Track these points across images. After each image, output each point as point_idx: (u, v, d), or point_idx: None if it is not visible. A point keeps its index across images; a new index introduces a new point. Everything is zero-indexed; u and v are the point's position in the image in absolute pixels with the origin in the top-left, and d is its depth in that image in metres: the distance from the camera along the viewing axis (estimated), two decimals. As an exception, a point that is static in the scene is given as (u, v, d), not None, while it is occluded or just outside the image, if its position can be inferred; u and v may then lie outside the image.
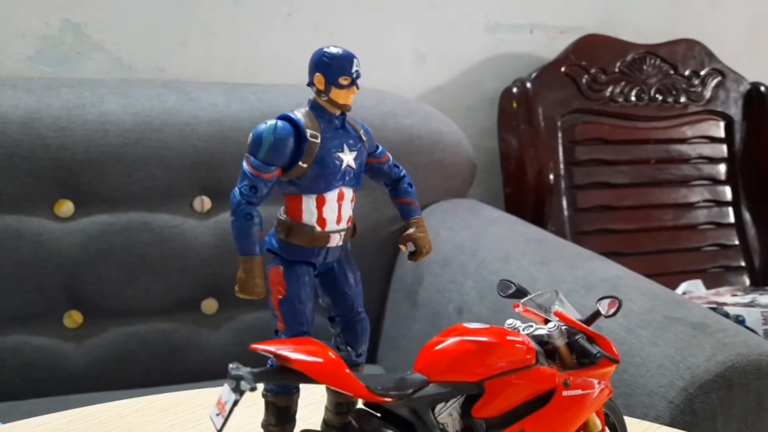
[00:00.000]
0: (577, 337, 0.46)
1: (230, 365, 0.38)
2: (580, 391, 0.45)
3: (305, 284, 0.45)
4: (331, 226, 0.46)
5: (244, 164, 0.44)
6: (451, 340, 0.43)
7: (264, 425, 0.46)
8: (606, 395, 0.46)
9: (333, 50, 0.45)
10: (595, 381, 0.46)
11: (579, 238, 1.45)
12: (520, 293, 0.49)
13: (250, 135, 0.44)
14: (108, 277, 1.18)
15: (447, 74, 1.56)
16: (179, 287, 1.23)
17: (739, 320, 1.29)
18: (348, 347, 0.48)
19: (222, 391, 0.39)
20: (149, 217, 1.21)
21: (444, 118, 1.38)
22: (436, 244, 1.39)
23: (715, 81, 1.64)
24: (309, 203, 0.45)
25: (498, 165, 1.54)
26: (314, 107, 0.46)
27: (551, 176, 1.44)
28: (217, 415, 0.38)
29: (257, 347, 0.39)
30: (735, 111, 1.65)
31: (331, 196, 0.46)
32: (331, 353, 0.39)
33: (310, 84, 0.46)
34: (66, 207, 1.16)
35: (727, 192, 1.64)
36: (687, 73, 1.61)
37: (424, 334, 1.20)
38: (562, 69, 1.51)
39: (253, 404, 0.47)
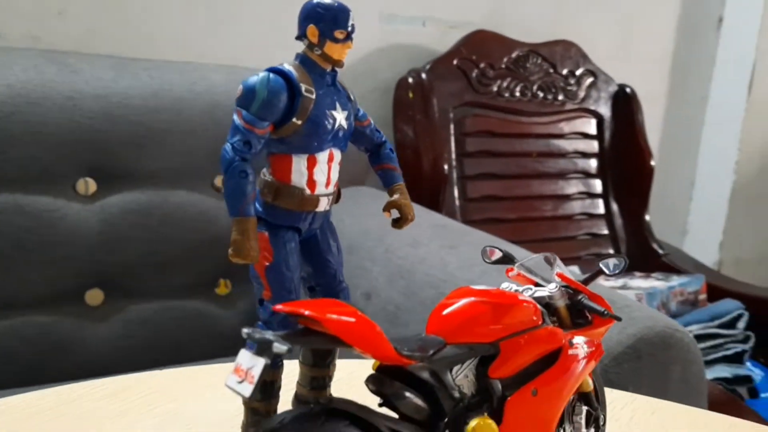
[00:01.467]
0: (579, 297, 0.47)
1: (245, 330, 0.35)
2: (582, 350, 0.46)
3: (292, 250, 0.43)
4: (320, 189, 0.43)
5: (236, 118, 0.41)
6: (464, 302, 0.42)
7: (247, 402, 0.42)
8: (600, 354, 0.48)
9: (328, 1, 0.43)
10: (593, 340, 0.47)
11: (469, 226, 1.49)
12: (507, 258, 0.50)
13: (240, 87, 0.41)
14: (-23, 265, 1.06)
15: (342, 61, 1.54)
16: (61, 277, 1.13)
17: (613, 303, 1.39)
18: None
19: (240, 358, 0.36)
20: (26, 200, 1.10)
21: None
22: (341, 231, 1.37)
23: (588, 81, 1.75)
24: (299, 163, 0.43)
25: (392, 154, 1.54)
26: (305, 61, 0.43)
27: (445, 167, 1.47)
28: (241, 382, 0.35)
29: (282, 309, 0.36)
30: (605, 110, 1.77)
31: (322, 157, 0.43)
32: (359, 312, 0.37)
33: (301, 37, 0.43)
34: (-73, 186, 1.03)
35: (598, 185, 1.76)
36: (564, 72, 1.71)
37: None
38: (454, 62, 1.54)
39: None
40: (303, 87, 0.42)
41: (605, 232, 1.75)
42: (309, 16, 0.43)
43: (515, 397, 0.42)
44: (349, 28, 0.43)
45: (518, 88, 1.64)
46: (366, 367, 0.43)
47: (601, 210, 1.76)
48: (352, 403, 0.39)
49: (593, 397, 0.48)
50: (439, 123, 1.50)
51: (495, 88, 1.61)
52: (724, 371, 1.25)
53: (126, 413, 0.57)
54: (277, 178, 0.43)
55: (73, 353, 1.13)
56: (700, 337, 1.32)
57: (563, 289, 0.48)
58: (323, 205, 0.44)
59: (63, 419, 0.56)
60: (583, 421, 0.47)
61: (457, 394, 0.40)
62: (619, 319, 0.48)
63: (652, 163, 1.75)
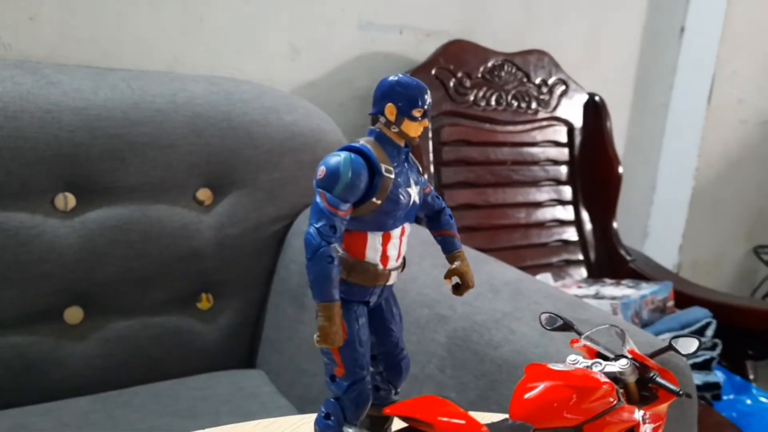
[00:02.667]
0: (651, 374, 0.48)
1: (348, 430, 0.35)
2: (652, 425, 0.47)
3: (364, 325, 0.43)
4: (392, 263, 0.44)
5: (319, 201, 0.40)
6: (545, 385, 0.43)
7: None
8: (662, 427, 0.49)
9: (406, 80, 0.43)
10: (660, 414, 0.48)
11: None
12: (567, 326, 0.50)
13: (322, 168, 0.41)
14: (-49, 286, 1.02)
15: (320, 69, 1.53)
16: (38, 295, 1.09)
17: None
18: (389, 384, 0.46)
19: None
20: (2, 216, 1.06)
21: (324, 116, 1.36)
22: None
23: (560, 90, 1.78)
24: (374, 240, 0.43)
25: (370, 163, 1.55)
26: (381, 138, 0.43)
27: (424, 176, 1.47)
28: None
29: (394, 412, 0.36)
30: (575, 118, 1.81)
31: (395, 233, 0.43)
32: (467, 414, 0.37)
33: (377, 113, 0.43)
34: None
35: (568, 192, 1.80)
36: (538, 81, 1.74)
37: (312, 336, 1.18)
38: (433, 71, 1.55)
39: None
40: (383, 167, 0.42)
41: (575, 238, 1.79)
42: (388, 94, 0.43)
43: None
44: (426, 107, 0.43)
45: (494, 98, 1.66)
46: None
47: (572, 216, 1.80)
48: None
49: None
50: (417, 133, 1.50)
51: (471, 98, 1.62)
52: (695, 379, 1.30)
53: None
54: (352, 254, 0.43)
55: (52, 373, 1.11)
56: (672, 346, 1.36)
57: (635, 365, 0.49)
58: (393, 278, 0.44)
59: None
60: None
61: None
62: (689, 396, 0.50)
63: (620, 170, 1.80)
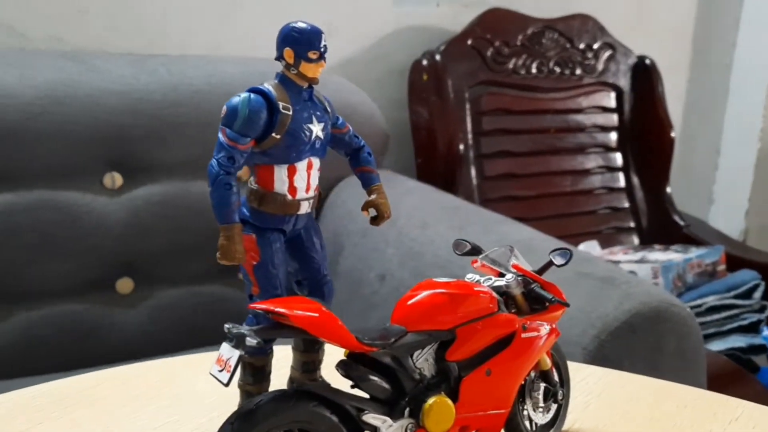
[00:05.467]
0: (532, 285, 0.51)
1: (226, 325, 0.40)
2: (535, 333, 0.50)
3: (277, 250, 0.47)
4: (301, 194, 0.47)
5: (221, 136, 0.45)
6: (425, 294, 0.47)
7: (241, 384, 0.47)
8: (555, 336, 0.51)
9: (301, 25, 0.46)
10: (546, 324, 0.51)
11: (486, 205, 1.52)
12: (475, 251, 0.53)
13: (224, 107, 0.45)
14: (12, 258, 1.12)
15: (356, 46, 1.57)
16: (91, 267, 1.19)
17: (632, 276, 1.40)
18: None
19: (222, 349, 0.42)
20: (55, 196, 1.15)
21: (356, 90, 1.39)
22: (355, 215, 1.40)
23: (607, 54, 1.74)
24: (281, 173, 0.47)
25: (409, 136, 1.57)
26: (283, 80, 0.47)
27: (461, 146, 1.49)
28: (221, 371, 0.41)
29: (256, 306, 0.41)
30: (624, 82, 1.76)
31: (301, 166, 0.47)
32: (323, 308, 0.41)
33: (279, 58, 0.47)
34: (-37, 186, 1.09)
35: (618, 158, 1.76)
36: (582, 46, 1.71)
37: (345, 302, 1.22)
38: (469, 42, 1.55)
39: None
40: (281, 105, 0.46)
41: (626, 205, 1.75)
42: (285, 39, 0.46)
43: (470, 377, 0.46)
44: (322, 49, 0.46)
45: (534, 65, 1.65)
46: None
47: (622, 183, 1.76)
48: (321, 385, 0.44)
49: (552, 375, 0.52)
50: (454, 103, 1.52)
51: (510, 66, 1.61)
52: (739, 341, 1.26)
53: (136, 399, 0.62)
54: (262, 186, 0.47)
55: (105, 339, 1.20)
56: (716, 308, 1.32)
57: (519, 278, 0.51)
58: (304, 208, 0.48)
59: (77, 408, 0.61)
60: (541, 397, 0.51)
61: (417, 376, 0.45)
62: (567, 305, 0.52)
63: (673, 134, 1.74)
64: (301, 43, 0.46)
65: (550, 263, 0.53)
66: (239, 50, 1.43)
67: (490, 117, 1.59)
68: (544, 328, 0.51)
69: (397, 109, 1.59)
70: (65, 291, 1.17)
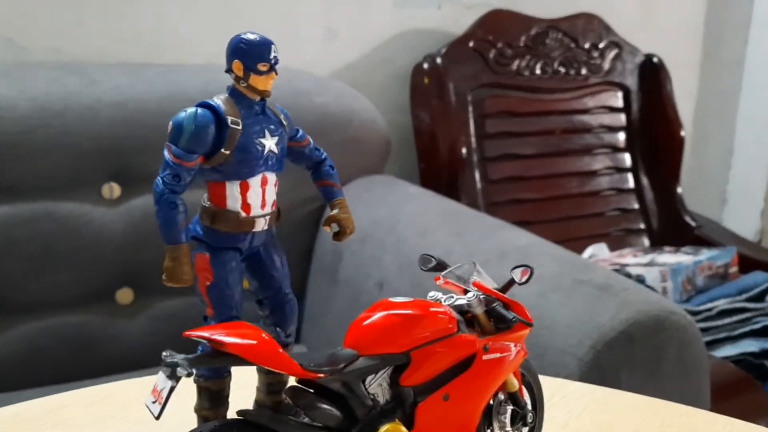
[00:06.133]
0: (494, 304, 0.49)
1: (164, 353, 0.39)
2: (498, 355, 0.47)
3: (232, 269, 0.45)
4: (255, 211, 0.46)
5: (166, 153, 0.43)
6: (378, 315, 0.45)
7: (197, 409, 0.46)
8: (522, 356, 0.49)
9: (250, 37, 0.45)
10: (512, 344, 0.49)
11: (491, 209, 1.50)
12: (440, 266, 0.51)
13: (170, 123, 0.44)
14: (12, 270, 1.13)
15: (357, 51, 1.56)
16: (91, 278, 1.19)
17: (640, 280, 1.37)
18: (277, 329, 0.48)
19: (157, 379, 0.39)
20: (54, 207, 1.16)
21: (357, 95, 1.38)
22: (355, 222, 1.38)
23: (613, 53, 1.71)
24: (233, 189, 0.45)
25: (412, 141, 1.56)
26: (234, 93, 0.46)
27: (463, 150, 1.47)
28: (154, 402, 0.39)
29: (191, 334, 0.39)
30: (631, 81, 1.73)
31: (254, 182, 0.46)
32: (264, 335, 0.40)
33: (229, 71, 0.45)
34: (-38, 199, 1.10)
35: (627, 159, 1.73)
36: (587, 46, 1.68)
37: (345, 310, 1.21)
38: (470, 44, 1.54)
39: (185, 389, 0.46)
40: (229, 119, 0.44)
41: (635, 206, 1.72)
42: (233, 51, 0.45)
43: (426, 403, 0.44)
44: (272, 60, 0.45)
45: (538, 66, 1.62)
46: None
47: (631, 184, 1.73)
48: (265, 414, 0.42)
49: (520, 397, 0.50)
50: (456, 107, 1.50)
51: (514, 68, 1.59)
52: (751, 346, 1.23)
53: (99, 421, 0.61)
54: (214, 203, 0.46)
55: (106, 350, 1.20)
56: (727, 312, 1.29)
57: (481, 297, 0.49)
58: (260, 225, 0.46)
59: (42, 428, 0.60)
60: (508, 420, 0.49)
61: (369, 402, 0.43)
62: (530, 325, 0.49)
63: (683, 133, 1.71)
64: (249, 55, 0.44)
65: (512, 281, 0.51)
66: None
67: (493, 120, 1.57)
68: (510, 348, 0.48)
69: (400, 114, 1.58)
70: (65, 302, 1.17)
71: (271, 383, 0.48)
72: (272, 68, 0.45)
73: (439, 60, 1.49)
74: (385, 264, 1.13)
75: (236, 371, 0.46)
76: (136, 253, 1.21)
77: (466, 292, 0.49)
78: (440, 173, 1.48)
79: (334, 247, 1.27)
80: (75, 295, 1.18)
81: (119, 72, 1.23)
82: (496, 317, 0.49)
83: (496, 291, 0.50)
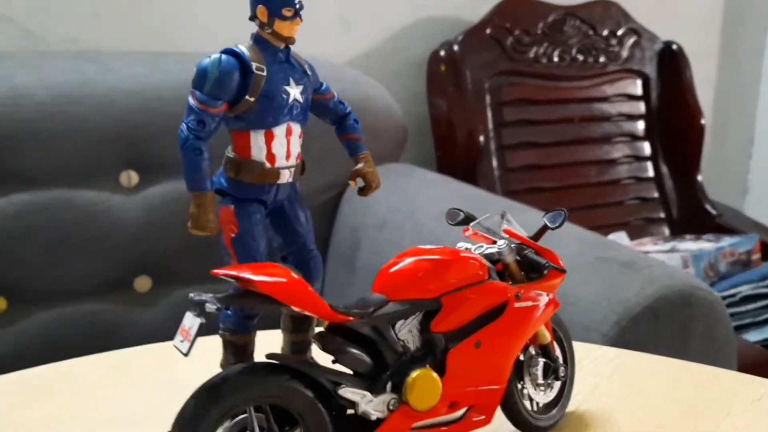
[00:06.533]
0: (526, 251, 0.48)
1: (191, 294, 0.38)
2: (530, 303, 0.46)
3: (257, 221, 0.45)
4: (280, 162, 0.45)
5: (190, 99, 0.43)
6: (408, 260, 0.44)
7: (223, 365, 0.45)
8: (554, 307, 0.48)
9: None
10: (544, 293, 0.48)
11: (509, 197, 1.48)
12: (468, 219, 0.51)
13: (195, 69, 0.43)
14: (30, 258, 1.13)
15: (373, 40, 1.55)
16: (109, 266, 1.19)
17: (662, 267, 1.35)
18: None
19: (185, 319, 0.39)
20: (71, 195, 1.16)
21: (373, 83, 1.37)
22: (372, 208, 1.38)
23: (632, 40, 1.69)
24: (257, 139, 0.44)
25: (428, 130, 1.55)
26: (258, 41, 0.45)
27: (481, 138, 1.46)
28: (182, 341, 0.38)
29: (218, 272, 0.38)
30: (650, 69, 1.71)
31: (279, 131, 0.45)
32: (293, 273, 0.39)
33: (253, 17, 0.45)
34: (-20, 187, 1.10)
35: (646, 147, 1.71)
36: (605, 33, 1.66)
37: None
38: (487, 31, 1.52)
39: (211, 346, 0.46)
40: (254, 65, 0.43)
41: (655, 195, 1.69)
42: None
43: (457, 349, 0.43)
44: (297, 6, 0.44)
45: (556, 53, 1.61)
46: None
47: (650, 173, 1.70)
48: (294, 358, 0.41)
49: (552, 350, 0.49)
50: (473, 94, 1.49)
51: (531, 55, 1.58)
52: (776, 331, 1.21)
53: (119, 384, 0.61)
54: (238, 153, 0.45)
55: (125, 338, 1.20)
56: (751, 298, 1.27)
57: (512, 245, 0.48)
58: (285, 177, 0.45)
59: (64, 392, 0.60)
60: (540, 373, 0.48)
61: (400, 348, 0.42)
62: (563, 271, 0.48)
63: (703, 121, 1.68)
64: (274, 0, 0.44)
65: (545, 227, 0.50)
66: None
67: (511, 107, 1.56)
68: (542, 298, 0.47)
69: (416, 102, 1.57)
70: (83, 290, 1.17)
71: (295, 342, 0.47)
72: (297, 13, 0.44)
73: (456, 47, 1.48)
74: (403, 249, 1.11)
75: (260, 333, 0.46)
76: (154, 240, 1.21)
77: (493, 243, 0.48)
78: (457, 161, 1.47)
79: (352, 233, 1.26)
80: (93, 284, 1.18)
81: (136, 60, 1.23)
82: (528, 265, 0.48)
83: (527, 238, 0.49)
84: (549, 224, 0.50)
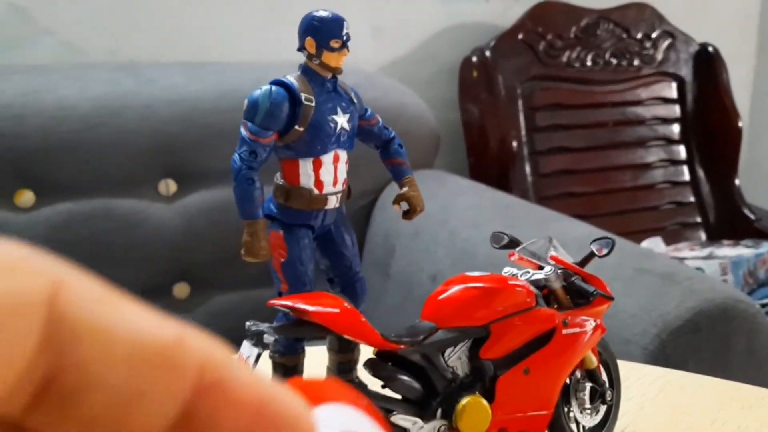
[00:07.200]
0: (573, 278, 0.48)
1: (247, 323, 0.39)
2: (577, 329, 0.47)
3: (305, 246, 0.46)
4: (328, 188, 0.46)
5: (242, 130, 0.44)
6: (456, 288, 0.45)
7: None
8: (600, 333, 0.48)
9: (323, 14, 0.46)
10: (591, 319, 0.48)
11: (543, 203, 1.48)
12: (513, 243, 0.51)
13: (246, 101, 0.45)
14: (75, 266, 1.16)
15: (404, 47, 1.56)
16: (148, 273, 1.21)
17: (699, 274, 1.34)
18: None
19: (242, 348, 0.41)
20: (113, 204, 1.18)
21: (406, 90, 1.38)
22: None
23: (666, 43, 1.67)
24: (306, 166, 0.46)
25: (461, 136, 1.55)
26: (306, 71, 0.46)
27: (514, 143, 1.45)
28: None
29: (275, 303, 0.40)
30: (686, 71, 1.69)
31: (327, 159, 0.46)
32: (346, 303, 0.40)
33: (301, 48, 0.46)
34: (26, 197, 1.13)
35: (682, 151, 1.69)
36: (639, 36, 1.65)
37: (396, 304, 1.21)
38: (520, 36, 1.52)
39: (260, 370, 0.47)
40: (303, 96, 0.45)
41: (691, 199, 1.67)
42: (306, 29, 0.46)
43: (506, 376, 0.44)
44: (344, 37, 0.45)
45: (589, 57, 1.60)
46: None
47: (686, 177, 1.68)
48: (342, 381, 0.42)
49: (598, 374, 0.49)
50: (505, 100, 1.48)
51: (564, 59, 1.57)
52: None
53: None
54: (288, 181, 0.46)
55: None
56: (791, 306, 1.25)
57: (559, 271, 0.48)
58: (332, 203, 0.47)
59: None
60: (587, 397, 0.48)
61: (449, 375, 0.43)
62: (611, 298, 0.49)
63: (740, 124, 1.66)
64: (322, 32, 0.45)
65: (592, 254, 0.50)
66: (287, 55, 1.44)
67: (544, 112, 1.55)
68: (589, 324, 0.48)
69: (449, 109, 1.57)
70: (124, 297, 1.20)
71: (342, 362, 0.48)
72: (344, 45, 0.45)
73: (488, 53, 1.48)
74: (438, 257, 1.12)
75: (309, 352, 0.47)
76: (193, 248, 1.23)
77: (540, 268, 0.49)
78: (490, 167, 1.47)
79: (385, 241, 1.27)
80: (133, 291, 1.18)
81: (174, 71, 1.26)
82: (574, 292, 0.48)
83: (574, 265, 0.49)
84: (596, 252, 0.50)
